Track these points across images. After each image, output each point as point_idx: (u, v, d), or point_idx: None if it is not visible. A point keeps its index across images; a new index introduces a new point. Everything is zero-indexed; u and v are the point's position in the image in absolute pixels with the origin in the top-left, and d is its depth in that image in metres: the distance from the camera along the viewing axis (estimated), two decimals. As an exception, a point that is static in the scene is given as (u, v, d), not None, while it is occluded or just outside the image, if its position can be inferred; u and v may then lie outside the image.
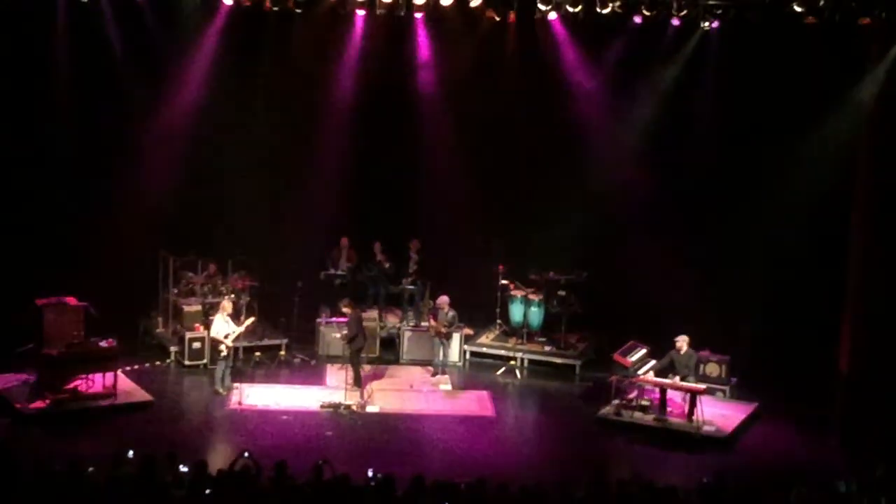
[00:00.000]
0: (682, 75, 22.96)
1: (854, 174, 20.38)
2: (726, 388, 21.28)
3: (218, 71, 23.56)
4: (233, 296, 22.38)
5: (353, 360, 21.13)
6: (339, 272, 23.78)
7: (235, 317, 21.52)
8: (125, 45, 22.93)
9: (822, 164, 21.51)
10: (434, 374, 22.26)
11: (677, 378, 20.03)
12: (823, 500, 14.56)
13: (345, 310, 21.54)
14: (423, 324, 23.16)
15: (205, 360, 21.64)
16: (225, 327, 20.85)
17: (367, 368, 21.82)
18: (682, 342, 20.27)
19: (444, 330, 22.21)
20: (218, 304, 21.50)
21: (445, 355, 22.40)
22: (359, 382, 20.94)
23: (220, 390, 20.68)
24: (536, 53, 23.53)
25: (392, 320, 23.92)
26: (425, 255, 23.83)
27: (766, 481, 16.05)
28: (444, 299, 22.29)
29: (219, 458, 16.96)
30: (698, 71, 22.81)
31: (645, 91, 23.26)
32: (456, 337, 22.76)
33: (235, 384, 20.97)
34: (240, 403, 20.05)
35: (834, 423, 20.51)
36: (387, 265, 23.83)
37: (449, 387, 21.87)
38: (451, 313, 22.22)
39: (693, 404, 19.80)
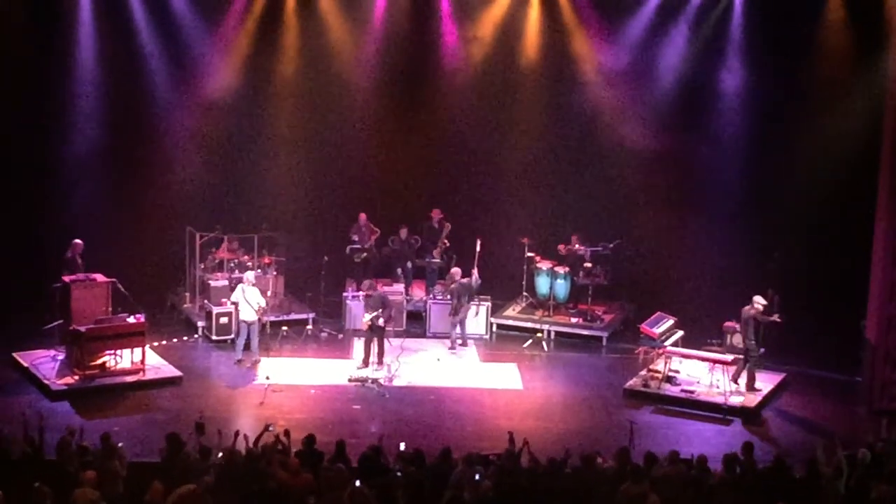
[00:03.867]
0: (706, 46, 22.91)
1: (881, 142, 20.20)
2: (754, 358, 21.21)
3: (241, 49, 23.62)
4: (259, 271, 22.45)
5: (379, 337, 21.11)
6: (365, 247, 23.77)
7: (262, 293, 21.52)
8: (149, 25, 23.08)
9: (850, 134, 21.38)
10: (451, 348, 22.25)
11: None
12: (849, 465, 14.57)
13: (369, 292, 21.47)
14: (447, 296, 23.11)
15: (232, 336, 21.64)
16: (257, 296, 20.91)
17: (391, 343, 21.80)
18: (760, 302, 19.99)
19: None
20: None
21: (463, 327, 22.35)
22: (381, 358, 20.96)
23: (245, 361, 20.81)
24: (560, 26, 23.59)
25: (418, 294, 23.93)
26: (449, 227, 23.81)
27: (793, 451, 16.10)
28: (455, 271, 22.27)
29: (246, 433, 16.98)
30: (723, 42, 22.77)
31: (671, 63, 23.21)
32: (473, 309, 22.67)
33: (261, 357, 21.05)
34: (267, 378, 20.08)
35: (862, 392, 20.42)
36: (412, 240, 23.86)
37: (474, 357, 21.91)
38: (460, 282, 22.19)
39: (740, 372, 19.92)
